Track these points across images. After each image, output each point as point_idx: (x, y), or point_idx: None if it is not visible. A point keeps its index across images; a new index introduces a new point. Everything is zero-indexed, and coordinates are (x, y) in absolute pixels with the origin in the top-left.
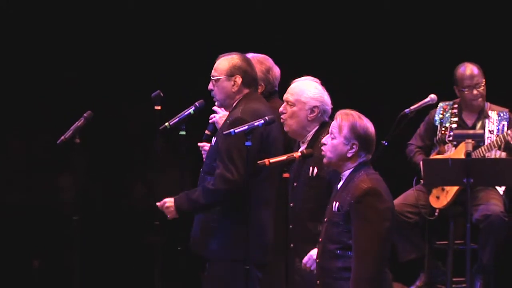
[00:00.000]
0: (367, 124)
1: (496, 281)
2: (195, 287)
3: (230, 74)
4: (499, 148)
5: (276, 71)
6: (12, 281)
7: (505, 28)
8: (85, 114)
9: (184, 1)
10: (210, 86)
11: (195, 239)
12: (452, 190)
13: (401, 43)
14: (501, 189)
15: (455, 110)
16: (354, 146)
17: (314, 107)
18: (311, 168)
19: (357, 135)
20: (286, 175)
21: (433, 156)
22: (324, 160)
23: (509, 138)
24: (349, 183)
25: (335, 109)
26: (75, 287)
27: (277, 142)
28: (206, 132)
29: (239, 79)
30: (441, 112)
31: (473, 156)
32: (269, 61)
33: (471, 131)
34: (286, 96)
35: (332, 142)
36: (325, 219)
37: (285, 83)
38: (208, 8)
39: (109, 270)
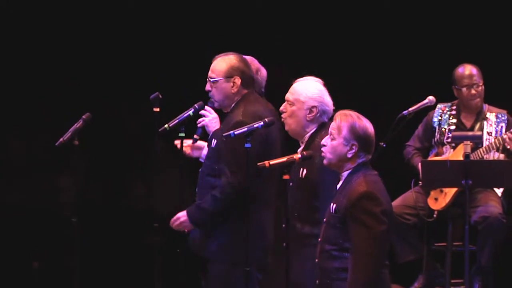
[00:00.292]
0: (367, 125)
1: (495, 282)
2: (195, 287)
3: (229, 76)
4: (497, 150)
5: (264, 72)
6: (12, 282)
7: (504, 31)
8: (83, 116)
9: (184, 1)
10: (208, 87)
11: (196, 240)
12: (451, 191)
13: (400, 44)
14: (499, 191)
15: (454, 112)
16: (353, 147)
17: (313, 107)
18: (301, 169)
19: (356, 135)
20: (286, 177)
21: (431, 157)
22: (325, 161)
23: (507, 140)
24: (347, 185)
25: (334, 109)
26: (74, 287)
27: (276, 143)
28: (195, 136)
29: (238, 80)
30: (440, 113)
31: (472, 158)
32: (256, 62)
33: (469, 133)
34: (287, 95)
35: (332, 143)
36: (324, 220)
37: (285, 83)
38: (207, 8)
39: (109, 270)
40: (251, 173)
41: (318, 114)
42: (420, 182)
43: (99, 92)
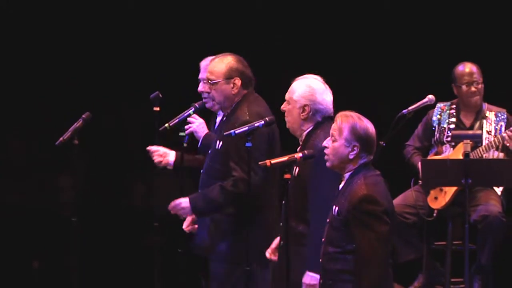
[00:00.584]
0: (368, 125)
1: (495, 281)
2: (195, 287)
3: (229, 77)
4: (497, 149)
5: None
6: (12, 282)
7: (504, 30)
8: (83, 116)
9: (184, 1)
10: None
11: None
12: (451, 190)
13: (399, 43)
14: (499, 190)
15: (453, 111)
16: (355, 148)
17: (305, 105)
18: (295, 168)
19: (357, 136)
20: (287, 176)
21: (431, 157)
22: (328, 163)
23: (506, 138)
24: (348, 187)
25: (334, 109)
26: (74, 287)
27: (277, 142)
28: (184, 144)
29: (238, 82)
30: (439, 112)
31: (471, 157)
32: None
33: (469, 132)
34: (286, 94)
35: (333, 145)
36: (328, 220)
37: (285, 83)
38: (207, 8)
39: (108, 270)
40: (263, 175)
41: (311, 113)
42: (420, 181)
43: (99, 92)
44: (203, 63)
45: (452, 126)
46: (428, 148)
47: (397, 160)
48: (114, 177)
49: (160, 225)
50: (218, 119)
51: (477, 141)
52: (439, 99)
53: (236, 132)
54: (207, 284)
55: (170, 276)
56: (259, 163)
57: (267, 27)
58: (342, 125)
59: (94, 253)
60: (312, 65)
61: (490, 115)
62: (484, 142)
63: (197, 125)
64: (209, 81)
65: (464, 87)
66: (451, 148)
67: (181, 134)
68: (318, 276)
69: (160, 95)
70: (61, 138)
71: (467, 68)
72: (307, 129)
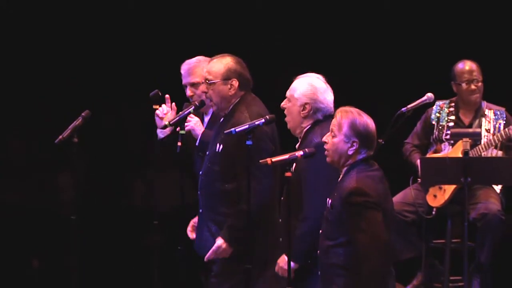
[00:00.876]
0: (367, 121)
1: (494, 280)
2: (195, 287)
3: (226, 78)
4: (496, 147)
5: None
6: (11, 281)
7: (504, 28)
8: (83, 114)
9: (183, 1)
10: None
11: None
12: (450, 188)
13: (399, 42)
14: (498, 188)
15: (452, 109)
16: (354, 144)
17: (306, 104)
18: (293, 164)
19: (357, 132)
20: (288, 174)
21: (430, 155)
22: (328, 159)
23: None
24: (342, 182)
25: (334, 108)
26: (74, 287)
27: (277, 141)
28: (179, 144)
29: (235, 83)
30: (438, 110)
31: (471, 155)
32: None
33: (468, 130)
34: (287, 92)
35: (333, 141)
36: (324, 214)
37: (285, 83)
38: (207, 8)
39: (108, 270)
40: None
41: (312, 111)
42: (419, 179)
43: (99, 92)
44: (184, 67)
45: (451, 124)
46: (427, 146)
47: (396, 158)
48: (114, 176)
49: (159, 223)
50: (206, 119)
51: (476, 139)
52: (438, 97)
53: (237, 130)
54: (207, 283)
55: (170, 276)
56: (260, 161)
57: (267, 27)
58: (341, 120)
59: (94, 253)
60: (312, 65)
61: (489, 113)
62: (483, 140)
63: (194, 123)
64: (207, 81)
65: (464, 85)
66: (450, 146)
67: (182, 132)
68: (293, 264)
69: (160, 93)
70: (60, 136)
71: (467, 66)
72: (306, 127)
